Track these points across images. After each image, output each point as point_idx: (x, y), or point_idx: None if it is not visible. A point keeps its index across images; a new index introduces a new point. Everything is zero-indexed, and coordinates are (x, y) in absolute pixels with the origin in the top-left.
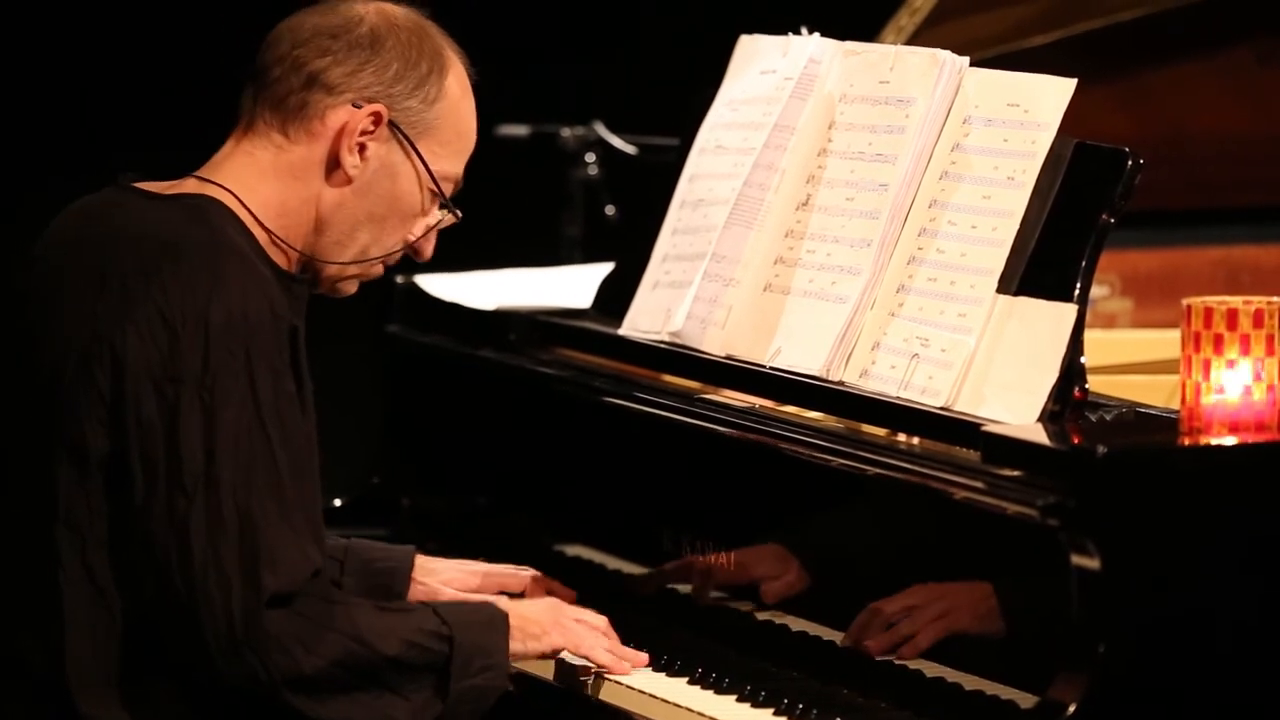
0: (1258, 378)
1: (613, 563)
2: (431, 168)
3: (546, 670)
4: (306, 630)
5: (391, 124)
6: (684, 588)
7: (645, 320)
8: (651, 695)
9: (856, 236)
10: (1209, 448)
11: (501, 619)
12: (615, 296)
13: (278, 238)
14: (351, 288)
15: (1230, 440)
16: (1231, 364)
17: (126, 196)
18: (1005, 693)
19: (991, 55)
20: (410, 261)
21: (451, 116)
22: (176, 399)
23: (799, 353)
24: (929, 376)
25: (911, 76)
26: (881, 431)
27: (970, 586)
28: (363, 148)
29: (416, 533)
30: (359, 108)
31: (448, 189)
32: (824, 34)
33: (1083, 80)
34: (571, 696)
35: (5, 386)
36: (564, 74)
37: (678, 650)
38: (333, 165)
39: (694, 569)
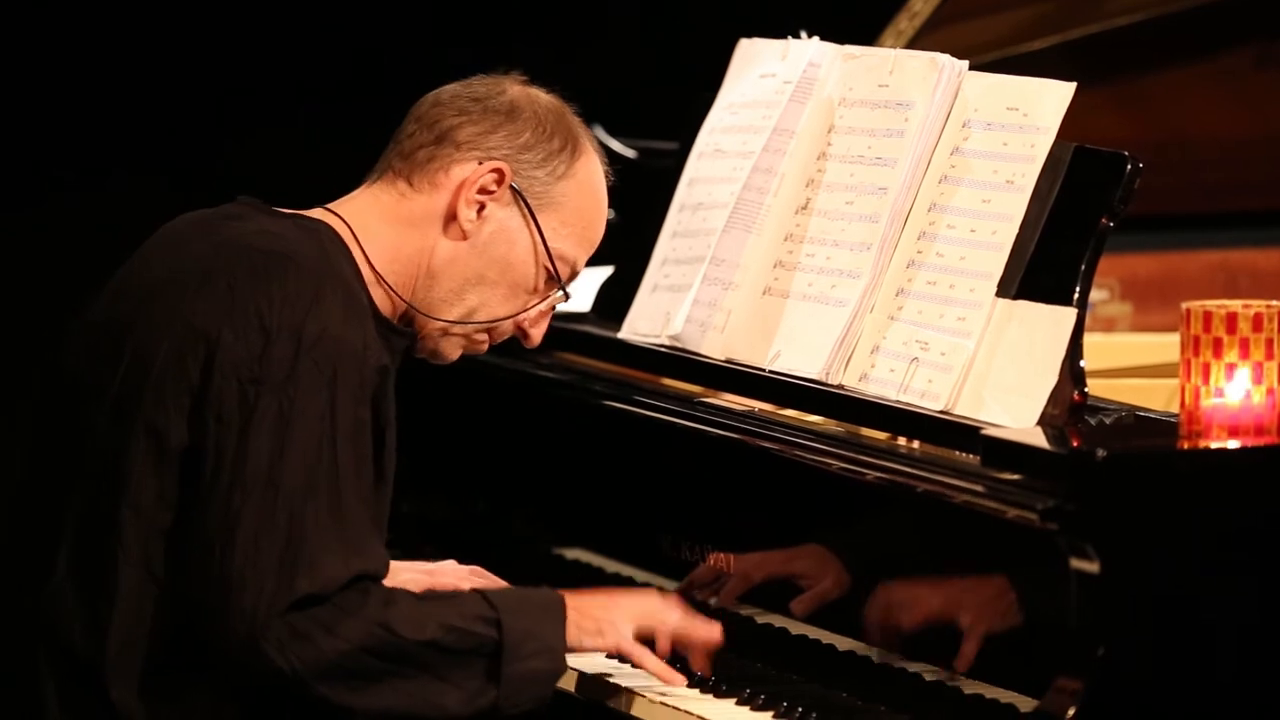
0: (1257, 381)
1: (612, 566)
2: (550, 245)
3: None
4: (331, 616)
5: (514, 190)
6: (682, 591)
7: (645, 324)
8: (651, 699)
9: (856, 240)
10: (1208, 451)
11: (557, 604)
12: (615, 300)
13: (385, 282)
14: (454, 352)
15: (1230, 444)
16: (1231, 368)
17: (245, 210)
18: (1005, 696)
19: (991, 59)
20: None
21: (577, 198)
22: (256, 400)
23: (799, 356)
24: (928, 380)
25: (911, 80)
26: (881, 435)
27: (969, 590)
28: (482, 206)
29: (416, 537)
30: (484, 164)
31: (564, 271)
32: (823, 38)
33: (1082, 84)
34: (561, 697)
35: (85, 369)
36: (561, 77)
37: (677, 654)
38: (450, 218)
39: (693, 572)
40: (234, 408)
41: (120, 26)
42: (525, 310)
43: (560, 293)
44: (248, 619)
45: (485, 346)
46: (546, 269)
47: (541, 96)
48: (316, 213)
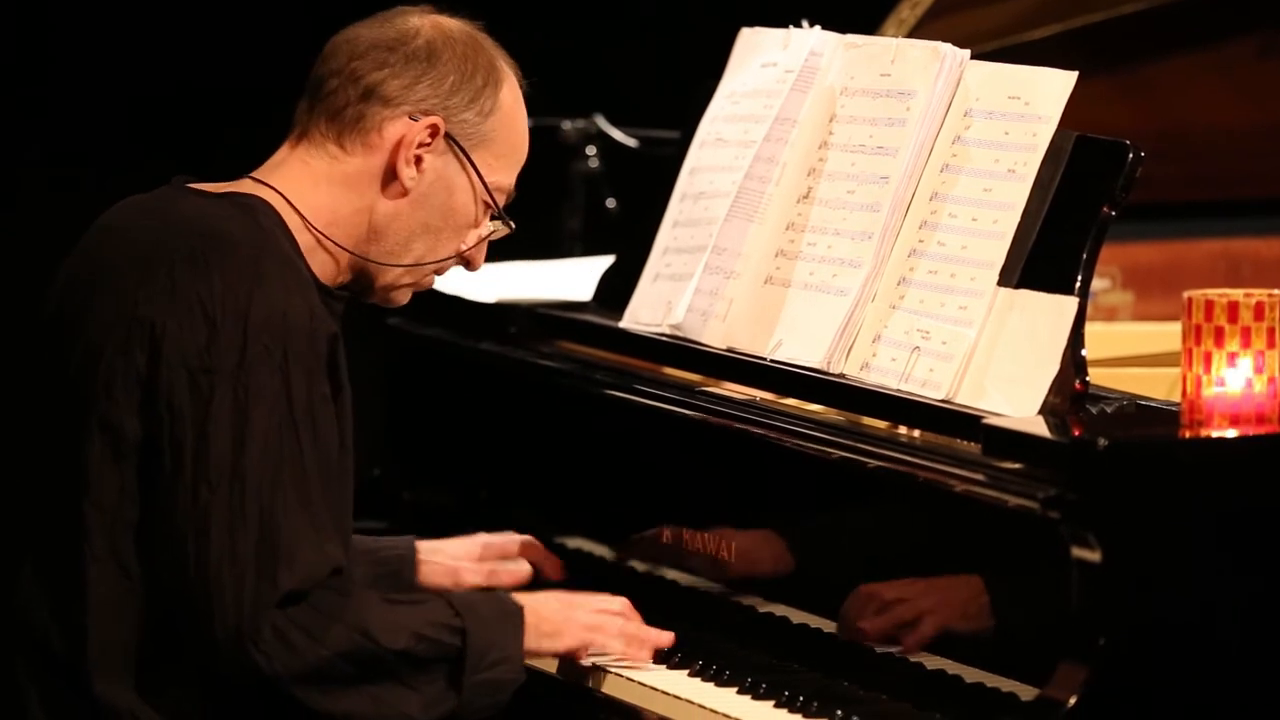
0: (1259, 370)
1: (613, 555)
2: (486, 179)
3: (549, 663)
4: (314, 622)
5: (448, 136)
6: (685, 580)
7: (646, 313)
8: (653, 688)
9: (857, 229)
10: (1210, 440)
11: (516, 612)
12: (616, 289)
13: (329, 240)
14: (404, 297)
15: (1231, 433)
16: (1232, 357)
17: (180, 193)
18: (1006, 685)
19: (992, 48)
20: None
21: (506, 129)
22: (210, 390)
23: (800, 345)
24: (930, 369)
25: (912, 69)
26: (882, 424)
27: (971, 579)
28: (419, 160)
29: (417, 526)
30: (416, 120)
31: (501, 200)
32: (825, 27)
33: (1083, 73)
34: (573, 689)
35: (40, 366)
36: (565, 66)
37: (679, 643)
38: (389, 177)
39: (695, 561)
40: (186, 399)
41: (121, 25)
42: (467, 244)
43: (500, 223)
44: (232, 617)
45: (433, 283)
46: (485, 202)
47: (453, 28)
48: (247, 185)
